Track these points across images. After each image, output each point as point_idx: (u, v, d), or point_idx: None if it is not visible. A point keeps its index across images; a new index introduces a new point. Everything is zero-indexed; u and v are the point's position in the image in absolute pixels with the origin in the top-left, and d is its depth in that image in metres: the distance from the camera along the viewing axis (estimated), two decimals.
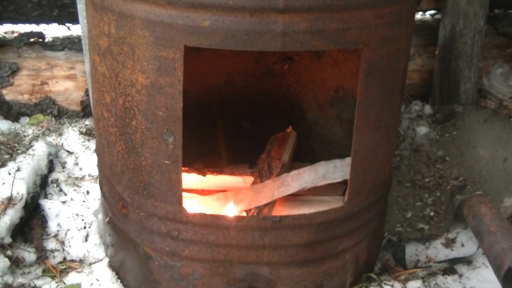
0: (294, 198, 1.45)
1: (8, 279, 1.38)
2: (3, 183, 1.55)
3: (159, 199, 1.19)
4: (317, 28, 1.03)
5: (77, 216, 1.57)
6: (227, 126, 1.74)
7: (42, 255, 1.49)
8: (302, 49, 1.05)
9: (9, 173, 1.58)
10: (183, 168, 1.16)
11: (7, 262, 1.39)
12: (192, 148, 1.61)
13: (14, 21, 1.99)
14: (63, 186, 1.67)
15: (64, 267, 1.47)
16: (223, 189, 1.45)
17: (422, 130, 1.96)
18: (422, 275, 1.44)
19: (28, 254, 1.47)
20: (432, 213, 1.70)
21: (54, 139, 1.83)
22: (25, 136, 1.83)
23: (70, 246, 1.52)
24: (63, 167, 1.74)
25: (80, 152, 1.79)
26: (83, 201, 1.63)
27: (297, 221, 1.20)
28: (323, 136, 1.73)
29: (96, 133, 1.35)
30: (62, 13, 1.97)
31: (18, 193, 1.53)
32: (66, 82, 2.00)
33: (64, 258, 1.50)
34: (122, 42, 1.10)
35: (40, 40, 1.98)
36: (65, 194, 1.65)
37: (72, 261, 1.49)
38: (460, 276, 1.46)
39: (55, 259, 1.49)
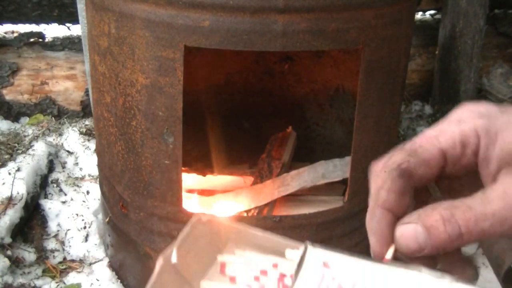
0: (294, 198, 1.45)
1: (8, 279, 1.38)
2: (3, 183, 1.55)
3: (159, 199, 1.19)
4: (317, 28, 1.03)
5: (77, 216, 1.57)
6: (227, 126, 1.74)
7: (42, 255, 1.49)
8: (302, 49, 1.05)
9: (9, 173, 1.58)
10: (183, 168, 1.16)
11: (7, 262, 1.39)
12: (192, 148, 1.61)
13: (14, 21, 1.99)
14: (63, 186, 1.67)
15: (64, 267, 1.47)
16: (223, 189, 1.45)
17: (422, 130, 1.96)
18: None
19: (28, 254, 1.47)
20: None
21: (54, 139, 1.83)
22: (25, 136, 1.82)
23: (70, 246, 1.52)
24: (63, 167, 1.74)
25: (80, 152, 1.79)
26: (83, 201, 1.62)
27: (297, 221, 1.20)
28: (323, 136, 1.73)
29: (96, 133, 1.35)
30: (62, 13, 1.97)
31: (18, 193, 1.53)
32: (66, 82, 2.00)
33: (64, 258, 1.50)
34: (122, 42, 1.10)
35: (40, 40, 1.98)
36: (65, 194, 1.65)
37: (72, 261, 1.49)
38: None
39: (55, 259, 1.49)
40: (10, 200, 1.50)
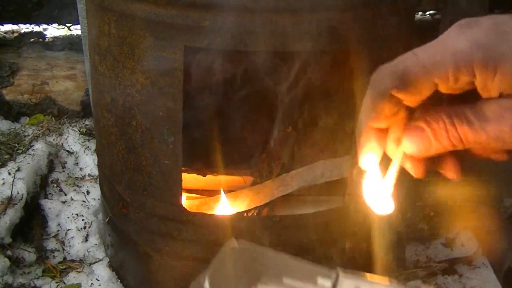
0: (295, 198, 1.45)
1: (8, 279, 1.38)
2: (3, 183, 1.55)
3: (159, 199, 1.19)
4: (317, 28, 1.03)
5: (77, 216, 1.57)
6: (227, 126, 1.73)
7: (42, 255, 1.49)
8: (302, 49, 1.05)
9: (9, 173, 1.58)
10: (183, 168, 1.16)
11: (7, 262, 1.39)
12: (192, 148, 1.61)
13: (14, 21, 1.99)
14: (63, 186, 1.67)
15: (64, 267, 1.47)
16: (223, 189, 1.45)
17: None
18: (422, 275, 1.44)
19: (28, 254, 1.47)
20: (432, 213, 1.70)
21: (54, 139, 1.83)
22: (25, 136, 1.83)
23: (70, 246, 1.52)
24: (63, 167, 1.74)
25: (80, 152, 1.79)
26: (83, 201, 1.62)
27: (297, 221, 1.20)
28: None
29: (96, 133, 1.35)
30: (62, 13, 1.97)
31: (18, 193, 1.53)
32: (66, 82, 2.00)
33: (64, 258, 1.50)
34: (122, 42, 1.10)
35: (40, 40, 1.98)
36: (65, 194, 1.65)
37: (72, 261, 1.49)
38: (460, 276, 1.46)
39: (55, 259, 1.49)
40: (10, 200, 1.50)
